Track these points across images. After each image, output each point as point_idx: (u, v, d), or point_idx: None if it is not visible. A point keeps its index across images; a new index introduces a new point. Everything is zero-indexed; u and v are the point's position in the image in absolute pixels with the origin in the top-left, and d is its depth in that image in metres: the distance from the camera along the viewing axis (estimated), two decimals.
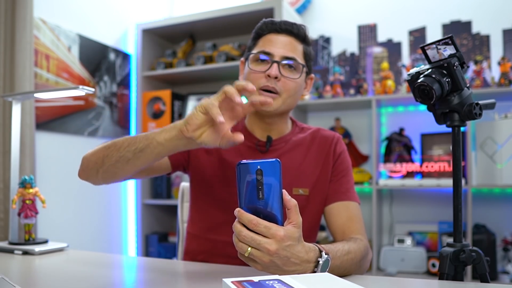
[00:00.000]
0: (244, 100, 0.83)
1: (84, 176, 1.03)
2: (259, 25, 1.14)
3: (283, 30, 1.10)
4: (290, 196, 0.72)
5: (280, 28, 1.10)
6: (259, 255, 0.69)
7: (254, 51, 1.12)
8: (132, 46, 2.91)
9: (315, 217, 1.15)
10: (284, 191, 0.71)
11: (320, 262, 0.75)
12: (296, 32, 1.10)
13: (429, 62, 0.94)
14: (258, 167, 0.69)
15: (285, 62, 1.08)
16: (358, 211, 1.12)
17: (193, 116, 0.82)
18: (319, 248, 0.77)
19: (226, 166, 1.13)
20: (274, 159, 0.69)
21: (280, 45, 1.08)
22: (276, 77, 1.06)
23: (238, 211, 0.70)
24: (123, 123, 2.79)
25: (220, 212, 1.12)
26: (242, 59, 1.19)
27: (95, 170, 0.98)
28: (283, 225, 0.71)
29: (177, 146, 0.87)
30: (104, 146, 0.98)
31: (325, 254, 0.77)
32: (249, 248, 0.69)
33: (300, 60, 1.11)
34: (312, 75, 1.19)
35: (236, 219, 0.71)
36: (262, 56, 1.09)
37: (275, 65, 1.06)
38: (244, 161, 0.70)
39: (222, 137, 0.84)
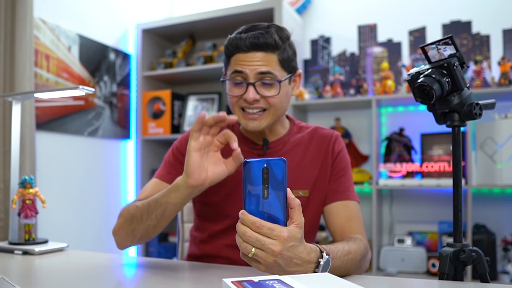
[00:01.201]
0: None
1: (123, 247, 1.07)
2: (226, 42, 1.07)
3: (249, 48, 1.02)
4: (294, 196, 0.72)
5: (246, 46, 1.02)
6: (263, 256, 0.69)
7: (228, 72, 1.07)
8: (132, 46, 2.90)
9: (315, 218, 1.14)
10: (288, 189, 0.71)
11: (321, 262, 0.76)
12: (263, 43, 1.01)
13: (429, 62, 0.94)
14: (265, 165, 0.69)
15: (260, 82, 1.03)
16: (357, 210, 1.11)
17: (190, 163, 0.89)
18: (320, 249, 0.77)
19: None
20: (280, 158, 0.70)
21: (251, 63, 1.02)
22: (255, 99, 1.03)
23: (242, 213, 0.70)
24: (123, 123, 2.79)
25: (224, 219, 1.12)
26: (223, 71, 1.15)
27: (130, 241, 1.05)
28: (285, 225, 0.71)
29: (191, 196, 0.93)
30: (126, 220, 1.02)
31: (326, 254, 0.77)
32: (253, 249, 0.69)
33: (277, 71, 1.03)
34: (299, 71, 1.13)
35: (240, 220, 0.71)
36: (236, 79, 1.04)
37: (250, 88, 1.02)
38: (250, 159, 0.70)
39: (228, 162, 0.94)
